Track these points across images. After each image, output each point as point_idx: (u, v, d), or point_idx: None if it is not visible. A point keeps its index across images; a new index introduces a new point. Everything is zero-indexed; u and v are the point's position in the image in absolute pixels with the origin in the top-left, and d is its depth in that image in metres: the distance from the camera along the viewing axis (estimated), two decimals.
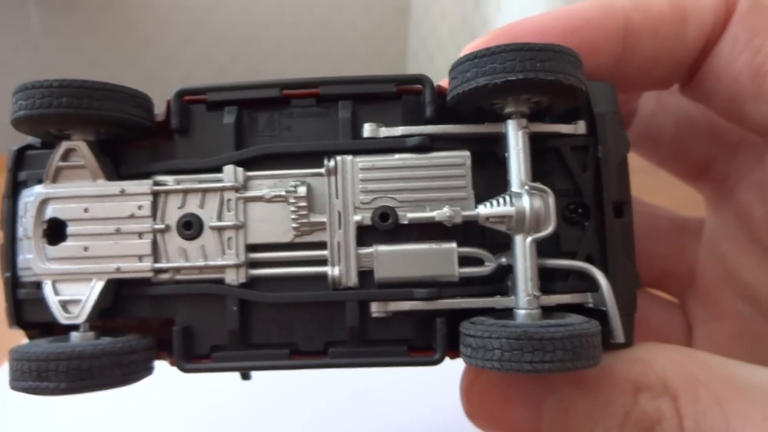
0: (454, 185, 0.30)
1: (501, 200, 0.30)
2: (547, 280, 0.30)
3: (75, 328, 0.31)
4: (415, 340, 0.31)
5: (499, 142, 0.31)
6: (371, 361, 0.30)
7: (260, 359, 0.30)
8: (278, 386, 0.55)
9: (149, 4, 1.86)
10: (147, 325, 0.33)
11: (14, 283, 0.32)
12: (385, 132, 0.30)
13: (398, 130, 0.30)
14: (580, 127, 0.31)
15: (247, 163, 0.31)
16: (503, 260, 0.31)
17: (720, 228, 0.40)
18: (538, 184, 0.29)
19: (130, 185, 0.31)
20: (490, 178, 0.31)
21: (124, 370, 0.29)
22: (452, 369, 0.32)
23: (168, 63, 1.90)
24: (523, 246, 0.29)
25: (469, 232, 0.31)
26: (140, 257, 0.30)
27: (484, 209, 0.30)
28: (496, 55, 0.27)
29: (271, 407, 0.54)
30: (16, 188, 0.33)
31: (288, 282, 0.31)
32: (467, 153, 0.30)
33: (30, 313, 0.32)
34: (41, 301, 0.31)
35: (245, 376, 0.41)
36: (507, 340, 0.26)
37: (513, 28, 0.33)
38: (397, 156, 0.30)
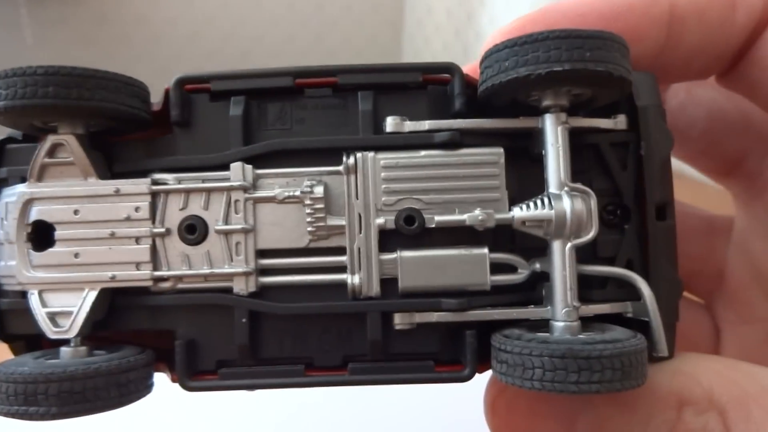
0: (485, 185, 0.28)
1: (539, 202, 0.27)
2: (583, 287, 0.27)
3: (65, 341, 0.27)
4: (440, 354, 0.28)
5: (533, 137, 0.28)
6: (396, 377, 0.27)
7: (273, 376, 0.27)
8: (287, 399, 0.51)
9: (143, 17, 1.85)
10: (142, 334, 0.30)
11: None
12: (410, 126, 0.28)
13: (425, 124, 0.28)
14: (620, 122, 0.29)
15: (257, 160, 0.28)
16: (537, 266, 0.28)
17: (751, 227, 0.38)
18: (580, 185, 0.27)
19: (126, 184, 0.28)
20: (520, 176, 0.29)
21: (121, 391, 0.26)
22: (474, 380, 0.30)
23: (161, 76, 1.87)
24: (562, 253, 0.27)
25: (497, 235, 0.28)
26: (138, 264, 0.27)
27: (519, 212, 0.27)
28: (539, 42, 0.25)
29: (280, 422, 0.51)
30: None
31: (301, 291, 0.28)
32: (500, 150, 0.28)
33: (14, 324, 0.29)
34: (27, 312, 0.28)
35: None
36: (550, 359, 0.24)
37: (548, 12, 0.30)
38: (423, 153, 0.28)
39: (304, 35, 2.05)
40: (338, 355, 0.28)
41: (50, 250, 0.27)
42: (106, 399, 0.25)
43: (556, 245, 0.27)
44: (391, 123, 0.28)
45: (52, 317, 0.27)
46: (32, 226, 0.28)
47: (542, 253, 0.28)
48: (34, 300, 0.27)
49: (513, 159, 0.28)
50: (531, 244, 0.28)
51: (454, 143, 0.27)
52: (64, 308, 0.27)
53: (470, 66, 0.30)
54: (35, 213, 0.28)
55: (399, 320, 0.27)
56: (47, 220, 0.28)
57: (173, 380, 0.28)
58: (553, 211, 0.26)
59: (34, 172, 0.28)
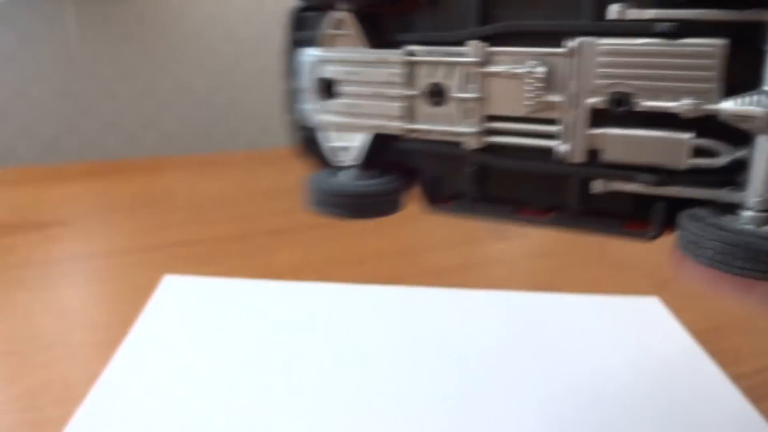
0: (700, 76, 0.29)
1: (753, 98, 0.28)
2: None
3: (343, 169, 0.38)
4: (633, 218, 0.33)
5: (759, 32, 0.28)
6: (589, 227, 0.33)
7: (493, 212, 0.35)
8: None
9: (180, 15, 1.87)
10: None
11: (295, 124, 0.40)
12: (632, 14, 0.30)
13: (649, 13, 0.29)
14: None
15: (489, 39, 0.33)
16: (738, 154, 0.30)
17: None
18: None
19: (388, 54, 0.35)
20: (736, 69, 0.29)
21: (392, 206, 0.36)
22: None
23: (198, 72, 1.98)
24: (765, 147, 0.28)
25: (709, 121, 0.30)
26: (394, 118, 0.36)
27: (728, 105, 0.29)
28: None
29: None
30: (293, 45, 0.39)
31: (518, 151, 0.34)
32: (721, 41, 0.29)
33: (309, 149, 0.40)
34: (315, 142, 0.39)
35: None
36: (721, 244, 0.27)
37: None
38: (642, 41, 0.30)
39: None
40: (546, 204, 0.34)
41: (335, 100, 0.37)
42: (382, 210, 0.36)
43: (762, 139, 0.28)
44: (614, 10, 0.30)
45: (334, 150, 0.38)
46: (321, 81, 0.37)
47: (747, 141, 0.30)
48: (322, 136, 0.38)
49: (731, 52, 0.29)
50: (737, 133, 0.30)
51: (675, 33, 0.29)
52: (343, 144, 0.37)
53: None
54: (324, 71, 0.37)
55: (597, 185, 0.32)
56: (333, 77, 0.36)
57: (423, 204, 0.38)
58: (761, 109, 0.28)
59: (323, 39, 0.36)
